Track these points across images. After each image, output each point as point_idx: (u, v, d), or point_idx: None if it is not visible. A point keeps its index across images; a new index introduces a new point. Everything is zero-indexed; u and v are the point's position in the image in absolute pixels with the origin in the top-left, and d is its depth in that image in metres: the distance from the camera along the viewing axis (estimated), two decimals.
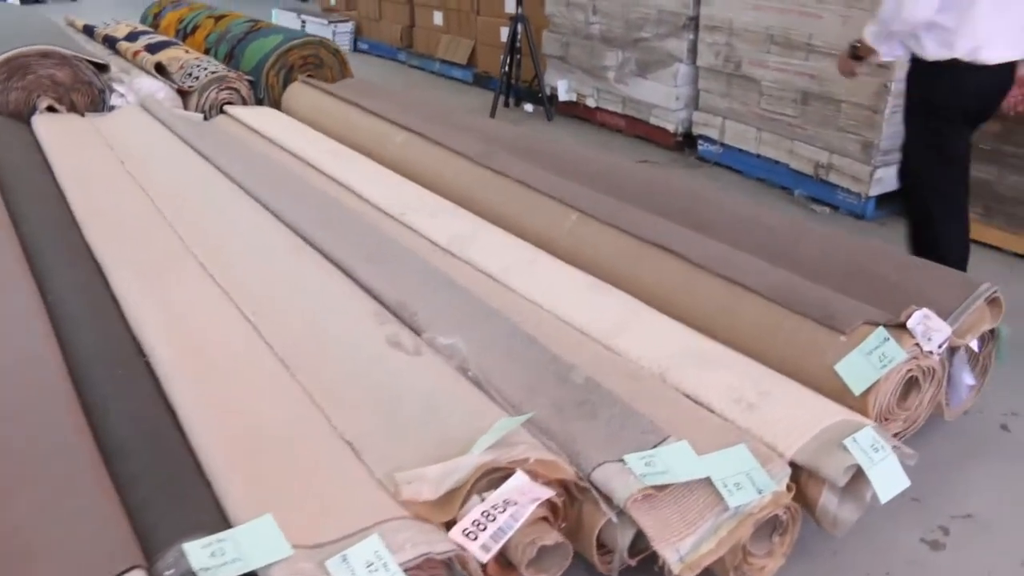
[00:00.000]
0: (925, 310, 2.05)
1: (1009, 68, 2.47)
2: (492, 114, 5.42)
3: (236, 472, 1.58)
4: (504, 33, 5.82)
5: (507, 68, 5.46)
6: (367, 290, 2.37)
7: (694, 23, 4.41)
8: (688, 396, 1.96)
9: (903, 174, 2.83)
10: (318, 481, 1.57)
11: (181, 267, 2.51)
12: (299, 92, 4.53)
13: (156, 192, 3.11)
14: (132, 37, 6.01)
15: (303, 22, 7.98)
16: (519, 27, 5.36)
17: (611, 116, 5.10)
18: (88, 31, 6.10)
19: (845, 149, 3.82)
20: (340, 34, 7.71)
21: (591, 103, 5.20)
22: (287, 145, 3.80)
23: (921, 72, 2.57)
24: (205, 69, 4.70)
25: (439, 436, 1.72)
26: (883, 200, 3.86)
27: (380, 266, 2.47)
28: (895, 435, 2.09)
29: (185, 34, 6.06)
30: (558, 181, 3.00)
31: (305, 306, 2.27)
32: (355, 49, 7.87)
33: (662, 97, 4.67)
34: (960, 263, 2.66)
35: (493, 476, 1.59)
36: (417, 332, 2.16)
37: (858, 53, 2.70)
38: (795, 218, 2.78)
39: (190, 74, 4.69)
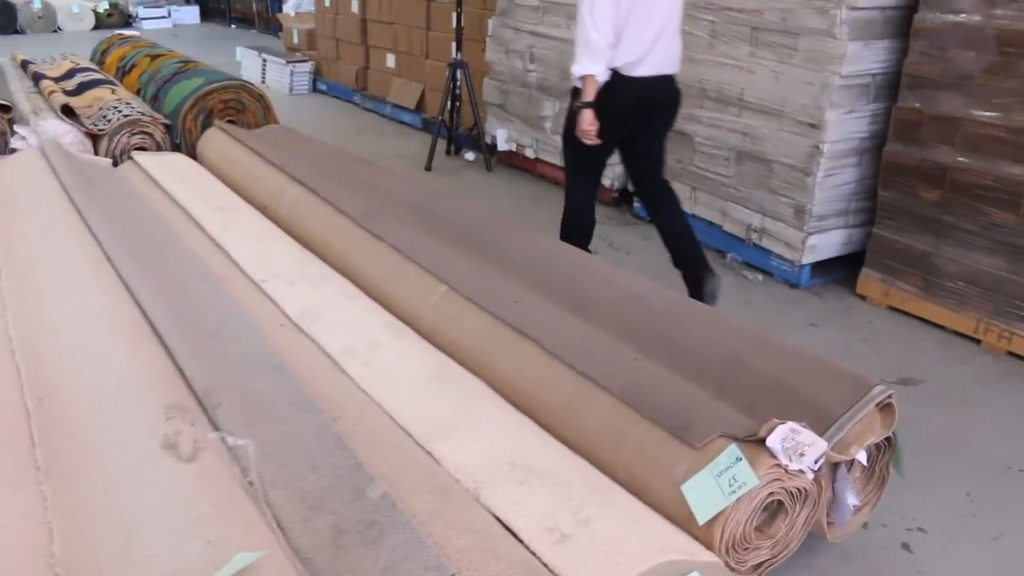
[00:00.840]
0: (791, 424, 1.75)
1: (658, 81, 2.97)
2: (428, 163, 5.17)
3: None
4: None
5: (444, 115, 5.23)
6: (183, 373, 2.09)
7: None
8: (500, 519, 1.66)
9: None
10: None
11: None
12: (212, 139, 4.28)
13: (5, 249, 2.86)
14: (69, 75, 5.81)
15: (264, 61, 7.79)
16: (459, 73, 5.13)
17: (550, 168, 4.84)
18: (24, 66, 5.91)
19: (777, 213, 3.54)
20: (299, 74, 7.51)
21: (530, 154, 4.95)
22: (178, 198, 3.54)
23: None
24: (120, 112, 4.47)
25: (171, 569, 1.42)
26: (819, 268, 3.58)
27: (205, 345, 2.19)
28: (761, 564, 1.80)
29: (124, 73, 5.85)
30: (439, 248, 2.73)
31: (98, 393, 1.98)
32: (314, 89, 7.66)
33: None
34: (585, 231, 3.22)
35: None
36: (215, 428, 1.87)
37: (584, 101, 2.89)
38: (683, 300, 2.49)
39: (104, 116, 4.46)
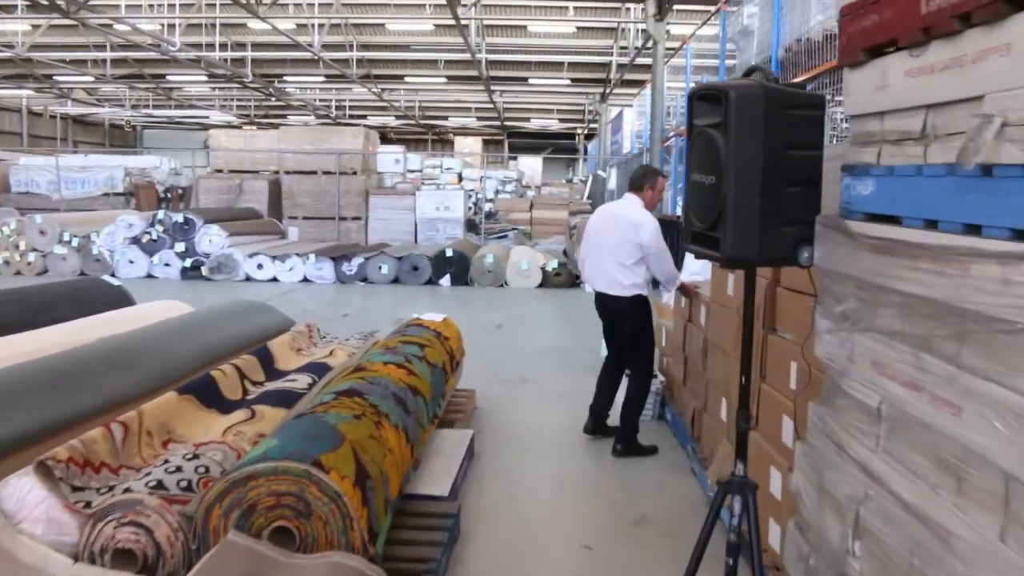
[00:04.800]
0: None
1: (605, 295, 4.96)
2: None
3: None
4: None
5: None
6: None
7: None
8: None
9: None
10: None
11: None
12: (214, 560, 2.34)
13: None
14: (289, 372, 4.45)
15: None
16: (735, 501, 2.56)
17: None
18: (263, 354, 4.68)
19: None
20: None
21: None
22: None
23: None
24: (144, 478, 2.80)
25: None
26: None
27: None
28: None
29: (329, 380, 4.31)
30: None
31: None
32: (660, 416, 5.45)
33: None
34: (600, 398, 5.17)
35: None
36: None
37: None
38: None
39: (147, 477, 2.82)
